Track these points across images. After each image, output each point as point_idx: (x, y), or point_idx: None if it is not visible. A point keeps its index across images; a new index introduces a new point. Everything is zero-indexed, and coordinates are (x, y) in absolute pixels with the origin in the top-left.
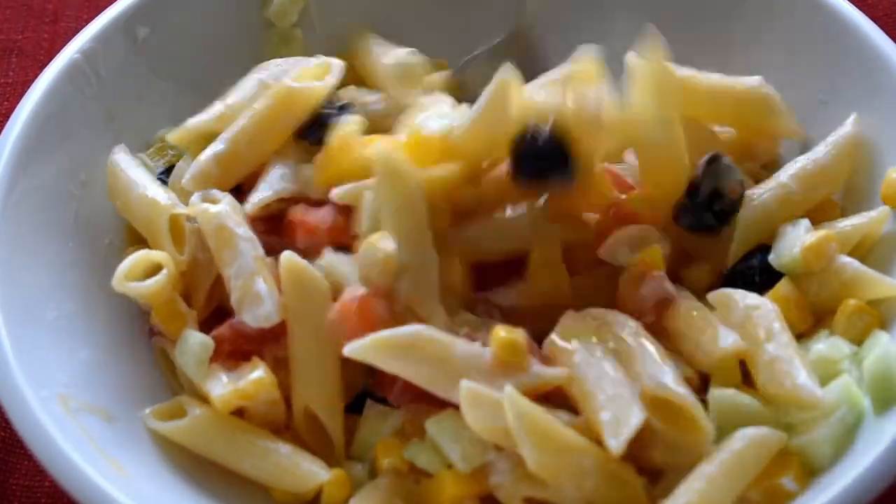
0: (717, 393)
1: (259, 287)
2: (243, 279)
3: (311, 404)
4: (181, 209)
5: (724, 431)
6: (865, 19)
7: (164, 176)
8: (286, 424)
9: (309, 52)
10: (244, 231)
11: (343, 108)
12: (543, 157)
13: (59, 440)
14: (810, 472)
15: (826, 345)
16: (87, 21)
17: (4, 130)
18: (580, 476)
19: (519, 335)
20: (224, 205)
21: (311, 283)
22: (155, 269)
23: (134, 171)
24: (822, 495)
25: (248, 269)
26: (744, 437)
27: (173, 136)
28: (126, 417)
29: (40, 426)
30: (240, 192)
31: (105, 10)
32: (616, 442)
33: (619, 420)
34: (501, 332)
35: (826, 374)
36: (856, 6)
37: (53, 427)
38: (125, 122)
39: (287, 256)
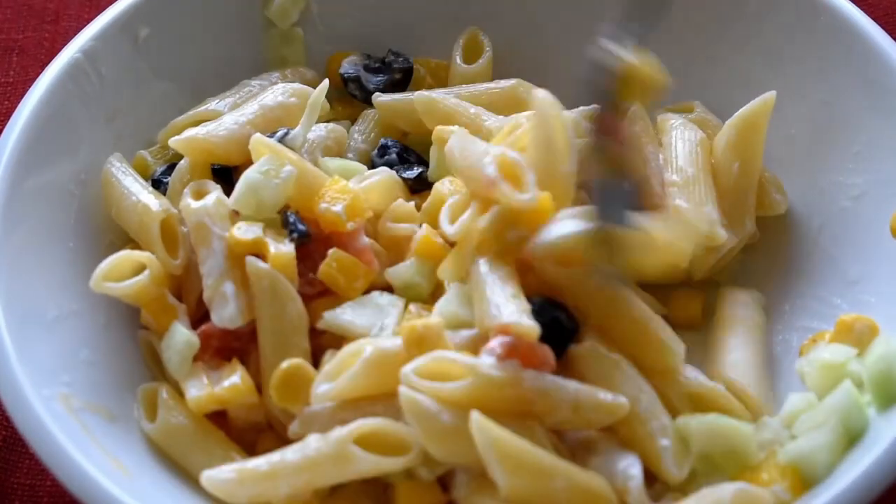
0: (695, 420)
1: (226, 288)
2: (213, 278)
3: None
4: (172, 212)
5: (707, 458)
6: (867, 19)
7: (165, 175)
8: (268, 424)
9: (310, 52)
10: (220, 229)
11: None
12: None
13: (61, 439)
14: (807, 482)
15: (828, 352)
16: (88, 20)
17: (5, 130)
18: (553, 497)
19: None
20: (207, 200)
21: (274, 287)
22: (142, 268)
23: (127, 180)
24: (823, 496)
25: (219, 269)
26: (729, 491)
27: (162, 134)
28: (128, 416)
29: (42, 425)
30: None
31: (106, 10)
32: (679, 472)
33: (679, 451)
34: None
35: (833, 379)
36: (857, 6)
37: (55, 426)
38: (126, 122)
39: (251, 261)
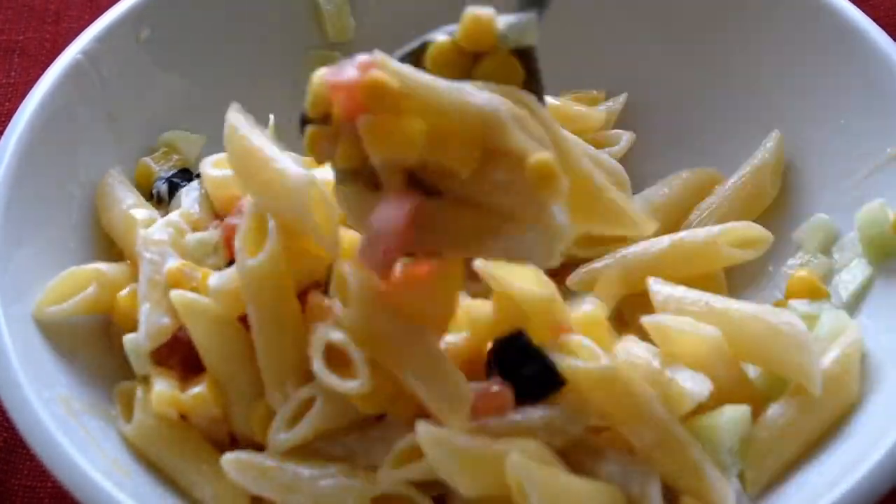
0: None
1: (142, 311)
2: (140, 300)
3: (237, 428)
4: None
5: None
6: (868, 20)
7: (173, 178)
8: (231, 440)
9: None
10: (152, 254)
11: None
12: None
13: (62, 441)
14: None
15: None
16: (90, 21)
17: (7, 131)
18: None
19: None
20: (151, 229)
21: (201, 314)
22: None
23: (119, 190)
24: (824, 499)
25: (142, 293)
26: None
27: (162, 137)
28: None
29: (43, 427)
30: None
31: (107, 11)
32: None
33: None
34: None
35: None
36: (857, 7)
37: (56, 428)
38: (127, 123)
39: (176, 295)
